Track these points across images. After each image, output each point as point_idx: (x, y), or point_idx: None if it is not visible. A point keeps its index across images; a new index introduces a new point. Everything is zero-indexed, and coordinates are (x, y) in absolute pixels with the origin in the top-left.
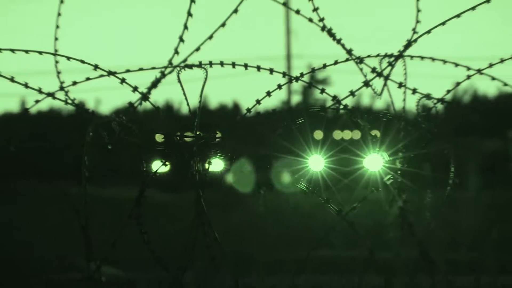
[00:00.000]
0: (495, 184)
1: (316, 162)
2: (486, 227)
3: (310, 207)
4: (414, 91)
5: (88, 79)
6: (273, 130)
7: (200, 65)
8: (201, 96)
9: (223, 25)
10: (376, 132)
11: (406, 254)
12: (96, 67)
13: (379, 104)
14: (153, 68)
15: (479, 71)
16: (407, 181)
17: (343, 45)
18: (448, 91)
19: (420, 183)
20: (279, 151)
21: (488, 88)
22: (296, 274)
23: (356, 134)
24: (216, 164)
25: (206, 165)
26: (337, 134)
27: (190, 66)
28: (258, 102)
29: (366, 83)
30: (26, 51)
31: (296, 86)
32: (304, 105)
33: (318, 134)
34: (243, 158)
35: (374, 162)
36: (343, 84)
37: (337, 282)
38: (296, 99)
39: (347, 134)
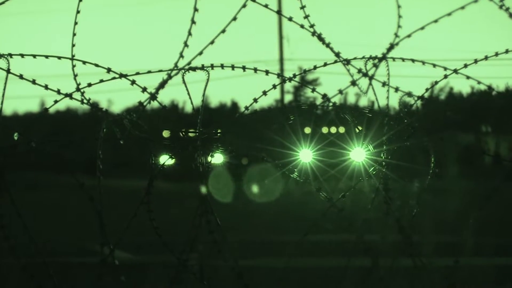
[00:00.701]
0: (470, 174)
1: (306, 155)
2: (464, 212)
3: (302, 194)
4: (397, 89)
5: (101, 81)
6: (268, 126)
7: (203, 67)
8: (203, 95)
9: (223, 31)
10: (360, 127)
11: (390, 237)
12: (109, 70)
13: (364, 101)
14: (160, 70)
15: (455, 71)
16: (390, 171)
17: (331, 49)
18: (427, 89)
19: (402, 173)
20: (273, 145)
21: (462, 86)
22: (290, 256)
23: (342, 129)
24: (218, 157)
25: (209, 158)
26: (325, 129)
27: (194, 69)
28: (255, 100)
29: (353, 83)
30: (46, 56)
31: (288, 86)
32: (296, 103)
33: (308, 129)
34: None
35: (359, 154)
36: (330, 85)
37: (327, 264)
38: (288, 98)
39: (334, 129)
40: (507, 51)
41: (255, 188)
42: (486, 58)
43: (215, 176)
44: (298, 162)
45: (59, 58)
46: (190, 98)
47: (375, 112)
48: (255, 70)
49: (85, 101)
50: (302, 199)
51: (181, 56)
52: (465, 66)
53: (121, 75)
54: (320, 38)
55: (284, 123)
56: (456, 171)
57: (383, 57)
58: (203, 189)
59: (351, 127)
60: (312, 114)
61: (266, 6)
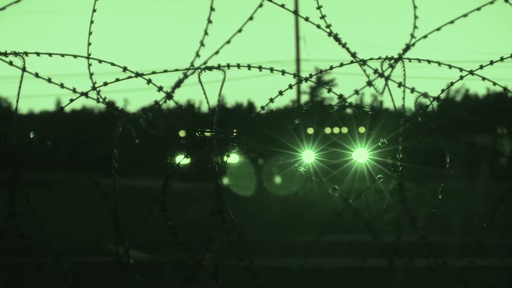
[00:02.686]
0: (485, 176)
1: (361, 155)
2: (479, 213)
3: (317, 195)
4: (413, 90)
5: (117, 80)
6: (284, 126)
7: (219, 67)
8: (219, 95)
9: (240, 31)
10: (373, 127)
11: (406, 238)
12: (125, 69)
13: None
14: (177, 70)
15: (471, 72)
16: (406, 172)
17: (348, 49)
18: (443, 90)
19: (418, 174)
20: (288, 146)
21: (478, 88)
22: (305, 256)
23: (361, 129)
24: (233, 157)
25: (224, 158)
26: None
27: (210, 68)
28: (271, 100)
29: (369, 83)
30: (62, 55)
31: (305, 86)
32: (314, 104)
33: (328, 130)
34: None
35: (362, 154)
36: (347, 85)
37: (343, 264)
38: (304, 98)
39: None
40: None
41: (276, 179)
42: (502, 59)
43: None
44: (311, 163)
45: (75, 56)
46: (206, 97)
47: (383, 112)
48: (272, 70)
49: (101, 100)
50: (318, 200)
51: (198, 55)
52: (481, 67)
53: (137, 74)
54: (337, 38)
55: (301, 123)
56: (471, 172)
57: (399, 58)
58: (221, 187)
59: (353, 128)
60: (329, 114)
61: (282, 6)
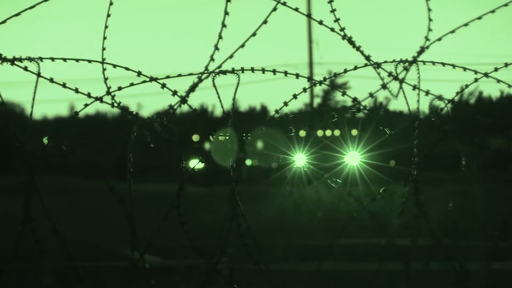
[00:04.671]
0: (500, 178)
1: (353, 157)
2: (493, 216)
3: (332, 198)
4: (427, 92)
5: (132, 84)
6: (298, 129)
7: (233, 71)
8: (233, 99)
9: (254, 34)
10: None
11: (422, 241)
12: (139, 73)
13: (394, 105)
14: (191, 74)
15: (486, 74)
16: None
17: (362, 52)
18: (458, 93)
19: (433, 177)
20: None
21: (492, 90)
22: (320, 260)
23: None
24: (248, 161)
25: (239, 162)
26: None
27: (224, 72)
28: (285, 103)
29: (384, 86)
30: (77, 60)
31: (318, 90)
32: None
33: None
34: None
35: (353, 157)
36: (360, 89)
37: (358, 267)
38: (318, 101)
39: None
40: None
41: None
42: None
43: None
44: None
45: (90, 61)
46: (220, 101)
47: (405, 115)
48: (286, 73)
49: (115, 104)
50: (332, 203)
51: (212, 59)
52: (496, 69)
53: (152, 79)
54: (351, 41)
55: (316, 126)
56: (485, 175)
57: (414, 61)
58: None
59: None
60: (343, 118)
61: (296, 9)
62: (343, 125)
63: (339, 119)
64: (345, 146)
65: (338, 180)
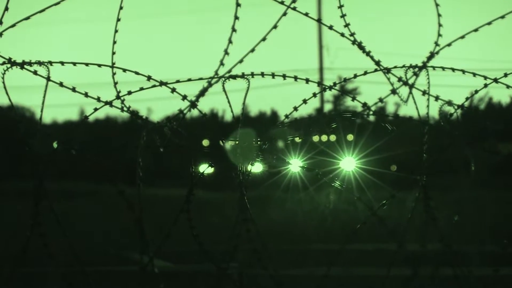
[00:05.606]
0: (510, 185)
1: (348, 163)
2: (503, 222)
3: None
4: (437, 98)
5: (142, 89)
6: (308, 135)
7: (243, 75)
8: (243, 104)
9: (264, 39)
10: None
11: (431, 246)
12: (149, 78)
13: (404, 110)
14: (201, 78)
15: (496, 80)
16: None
17: (372, 57)
18: (467, 98)
19: (442, 182)
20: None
21: (502, 96)
22: (329, 265)
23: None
24: (257, 166)
25: (249, 167)
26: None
27: (234, 77)
28: (295, 108)
29: (393, 91)
30: (86, 64)
31: (328, 95)
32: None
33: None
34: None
35: (349, 163)
36: (370, 94)
37: (367, 272)
38: (328, 107)
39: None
40: None
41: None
42: None
43: None
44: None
45: (100, 66)
46: (230, 106)
47: (415, 120)
48: (296, 78)
49: (125, 109)
50: (342, 208)
51: (222, 64)
52: (505, 75)
53: (161, 83)
54: (361, 46)
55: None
56: (495, 180)
57: (424, 66)
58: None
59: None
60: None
61: (306, 14)
62: (353, 130)
63: (349, 124)
64: (346, 151)
65: (341, 184)
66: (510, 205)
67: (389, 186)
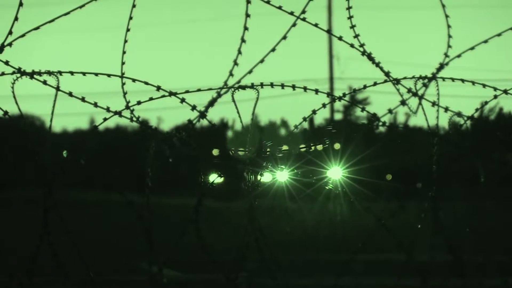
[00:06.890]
0: None
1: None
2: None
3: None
4: (446, 109)
5: (151, 99)
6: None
7: (252, 86)
8: (253, 114)
9: (273, 50)
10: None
11: (440, 257)
12: (158, 88)
13: (414, 121)
14: (210, 89)
15: (505, 91)
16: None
17: (381, 68)
18: (477, 110)
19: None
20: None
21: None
22: (338, 275)
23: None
24: (267, 176)
25: (258, 177)
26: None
27: (244, 87)
28: (304, 119)
29: (403, 102)
30: (96, 74)
31: (338, 105)
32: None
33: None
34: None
35: (336, 172)
36: (380, 104)
37: (377, 282)
38: (338, 117)
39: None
40: None
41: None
42: None
43: None
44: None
45: (109, 75)
46: (239, 116)
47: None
48: (305, 89)
49: (134, 118)
50: (351, 218)
51: (231, 74)
52: None
53: (171, 93)
54: (370, 57)
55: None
56: (505, 191)
57: (433, 77)
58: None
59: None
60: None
61: (316, 25)
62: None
63: (358, 135)
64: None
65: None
66: None
67: (398, 196)
